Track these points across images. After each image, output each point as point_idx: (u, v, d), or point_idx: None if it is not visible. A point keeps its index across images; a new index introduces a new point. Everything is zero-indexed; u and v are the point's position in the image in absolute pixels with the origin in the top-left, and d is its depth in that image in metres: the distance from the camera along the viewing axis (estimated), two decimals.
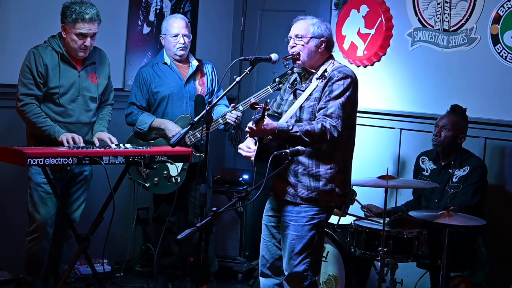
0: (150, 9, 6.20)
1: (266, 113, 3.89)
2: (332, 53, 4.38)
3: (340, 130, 4.08)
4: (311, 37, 4.25)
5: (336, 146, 4.19)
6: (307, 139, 4.01)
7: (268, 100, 3.98)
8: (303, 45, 4.25)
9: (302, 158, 4.13)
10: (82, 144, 4.76)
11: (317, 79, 4.22)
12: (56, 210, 4.98)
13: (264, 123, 3.94)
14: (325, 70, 4.23)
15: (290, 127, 4.02)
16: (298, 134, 4.01)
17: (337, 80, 4.15)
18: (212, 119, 4.48)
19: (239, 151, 4.38)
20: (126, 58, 6.10)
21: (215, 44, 6.88)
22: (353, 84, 4.20)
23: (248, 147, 4.34)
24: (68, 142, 4.72)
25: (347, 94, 4.15)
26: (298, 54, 4.25)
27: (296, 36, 4.28)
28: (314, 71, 4.28)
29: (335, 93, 4.14)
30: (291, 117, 4.26)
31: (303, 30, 4.26)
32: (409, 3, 5.78)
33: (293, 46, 4.28)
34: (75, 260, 4.97)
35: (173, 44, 5.50)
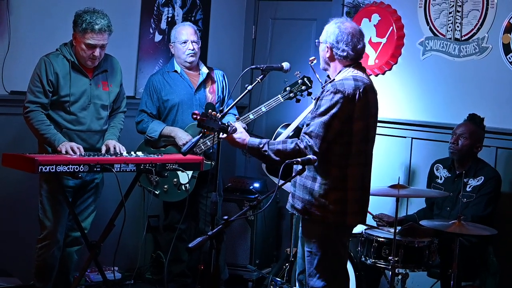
0: (161, 17, 6.22)
1: (203, 124, 3.91)
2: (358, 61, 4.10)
3: (317, 150, 3.86)
4: (320, 43, 4.12)
5: (329, 162, 3.96)
6: (277, 158, 3.94)
7: (211, 111, 3.98)
8: (320, 51, 4.14)
9: None
10: (82, 153, 4.71)
11: (321, 88, 4.08)
12: (67, 218, 5.00)
13: (237, 136, 3.98)
14: (332, 80, 4.04)
15: (261, 146, 3.98)
16: (267, 153, 3.97)
17: (326, 95, 3.92)
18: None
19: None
20: (137, 66, 6.11)
21: (227, 53, 6.89)
22: (344, 100, 3.88)
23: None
24: (67, 152, 4.67)
25: (332, 112, 3.88)
26: (314, 59, 4.20)
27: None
28: (329, 79, 4.12)
29: (320, 109, 3.91)
30: (301, 123, 4.22)
31: (321, 35, 4.13)
32: (421, 12, 5.77)
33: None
34: (85, 267, 4.98)
35: (183, 51, 5.50)
